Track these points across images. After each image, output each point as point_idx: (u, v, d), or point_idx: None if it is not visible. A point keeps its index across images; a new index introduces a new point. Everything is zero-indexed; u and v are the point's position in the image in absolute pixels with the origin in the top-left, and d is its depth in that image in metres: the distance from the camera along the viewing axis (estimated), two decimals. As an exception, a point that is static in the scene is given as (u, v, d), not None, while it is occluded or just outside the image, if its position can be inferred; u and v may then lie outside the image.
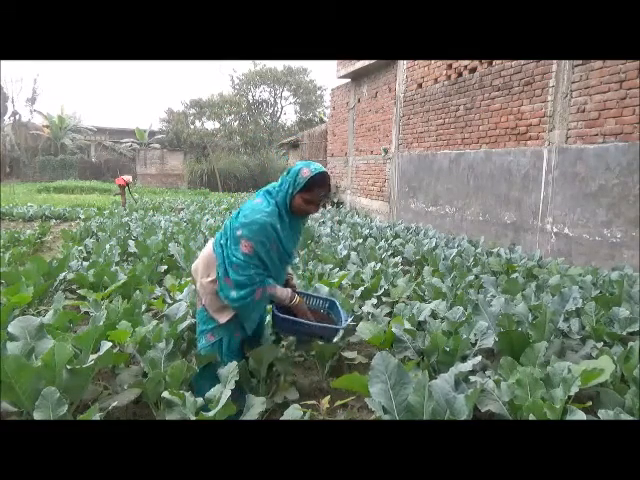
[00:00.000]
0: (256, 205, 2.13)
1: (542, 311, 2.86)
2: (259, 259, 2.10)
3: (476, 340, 2.75)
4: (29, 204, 11.81)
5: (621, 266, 4.51)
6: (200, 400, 1.93)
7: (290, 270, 2.61)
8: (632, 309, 3.18)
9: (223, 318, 2.22)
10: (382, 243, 6.18)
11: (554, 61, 5.64)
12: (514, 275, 4.41)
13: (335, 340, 2.60)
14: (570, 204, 5.47)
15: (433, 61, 8.06)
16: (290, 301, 2.25)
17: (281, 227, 2.14)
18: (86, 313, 3.39)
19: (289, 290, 2.29)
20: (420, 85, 8.57)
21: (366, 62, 9.84)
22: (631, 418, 1.86)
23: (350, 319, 2.73)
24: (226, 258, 2.13)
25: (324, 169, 2.18)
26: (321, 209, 11.24)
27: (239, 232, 2.08)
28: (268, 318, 2.62)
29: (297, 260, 5.15)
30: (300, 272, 4.42)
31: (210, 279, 2.22)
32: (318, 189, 2.13)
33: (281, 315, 2.26)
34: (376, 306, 3.58)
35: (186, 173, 26.33)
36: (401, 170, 9.30)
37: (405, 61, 9.00)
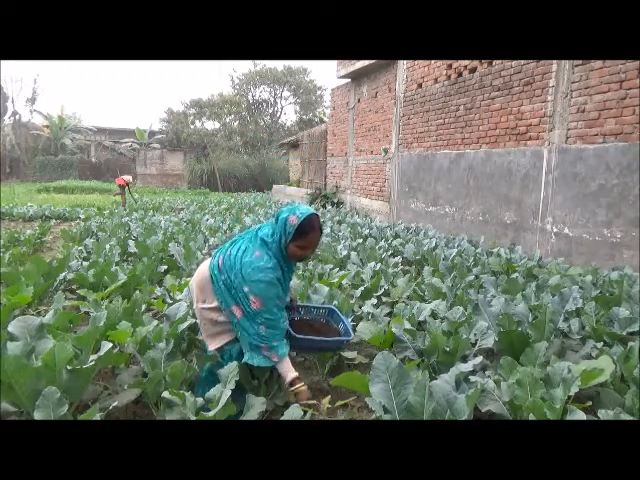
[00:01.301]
0: (257, 261, 2.09)
1: (542, 311, 2.86)
2: (269, 312, 2.09)
3: (476, 340, 2.75)
4: (29, 204, 11.80)
5: (621, 266, 4.51)
6: (200, 400, 1.93)
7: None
8: (632, 309, 3.18)
9: (213, 345, 2.24)
10: (382, 243, 6.18)
11: (554, 61, 5.64)
12: (514, 275, 4.41)
13: (352, 337, 2.65)
14: (570, 204, 5.47)
15: (433, 61, 8.06)
16: (291, 386, 2.13)
17: (283, 277, 2.18)
18: (86, 313, 3.39)
19: (294, 374, 2.15)
20: (420, 85, 8.57)
21: (366, 62, 9.84)
22: (631, 418, 1.86)
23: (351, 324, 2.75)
24: (236, 299, 2.12)
25: (311, 211, 2.13)
26: (321, 209, 11.25)
27: (246, 289, 2.07)
28: None
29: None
30: (300, 272, 4.41)
31: (205, 306, 2.22)
32: (310, 234, 2.11)
33: (295, 335, 2.28)
34: (376, 306, 3.57)
35: (186, 173, 26.34)
36: (401, 170, 9.30)
37: (405, 61, 9.00)
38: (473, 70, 7.14)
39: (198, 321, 2.31)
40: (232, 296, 2.12)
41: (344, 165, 12.20)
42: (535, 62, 5.92)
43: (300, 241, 2.10)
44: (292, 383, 2.11)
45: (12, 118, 27.46)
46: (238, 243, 2.23)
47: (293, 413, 1.86)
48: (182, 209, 12.22)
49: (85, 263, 4.57)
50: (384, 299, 3.99)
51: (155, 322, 2.78)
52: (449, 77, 7.71)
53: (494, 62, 6.68)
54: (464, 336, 2.66)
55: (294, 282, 3.86)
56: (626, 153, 4.79)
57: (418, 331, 2.82)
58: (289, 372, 2.13)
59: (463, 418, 1.79)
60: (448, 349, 2.53)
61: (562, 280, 3.99)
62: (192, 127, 28.19)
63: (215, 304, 2.19)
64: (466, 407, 1.81)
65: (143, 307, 3.25)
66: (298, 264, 4.82)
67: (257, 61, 29.64)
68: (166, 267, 4.86)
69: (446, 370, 2.21)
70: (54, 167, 25.56)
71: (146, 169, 27.10)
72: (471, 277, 4.26)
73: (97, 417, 1.73)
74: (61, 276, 4.24)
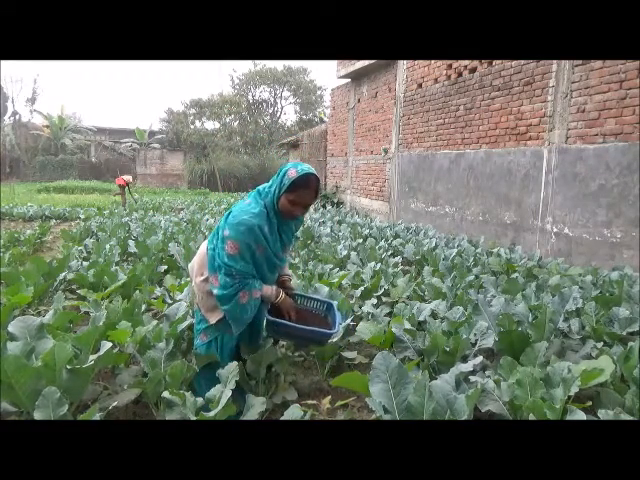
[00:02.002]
0: (245, 206, 2.11)
1: (542, 311, 2.86)
2: (244, 260, 2.06)
3: (476, 340, 2.75)
4: (29, 204, 11.81)
5: (621, 266, 4.51)
6: (200, 400, 1.93)
7: (289, 271, 2.59)
8: (632, 309, 3.18)
9: (213, 318, 2.22)
10: (382, 243, 6.18)
11: (554, 61, 5.64)
12: (514, 275, 4.41)
13: (334, 340, 2.58)
14: (570, 204, 5.47)
15: (433, 61, 8.06)
16: (275, 298, 2.22)
17: (269, 229, 2.12)
18: (86, 313, 3.39)
19: (274, 287, 2.25)
20: (420, 85, 8.57)
21: (366, 62, 9.84)
22: (631, 418, 1.86)
23: (345, 322, 2.70)
24: (215, 258, 2.12)
25: (312, 171, 2.12)
26: (321, 209, 11.24)
27: (226, 232, 2.06)
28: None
29: (297, 260, 5.15)
30: (300, 272, 4.41)
31: (203, 278, 2.22)
32: (303, 190, 2.08)
33: (271, 318, 2.24)
34: (376, 306, 3.57)
35: (186, 173, 26.34)
36: (401, 170, 9.29)
37: (405, 61, 9.00)
38: (473, 70, 7.14)
39: (197, 296, 2.28)
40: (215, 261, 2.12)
41: (344, 165, 12.20)
42: (535, 62, 5.92)
43: (292, 195, 2.07)
44: (277, 296, 2.22)
45: (12, 118, 27.47)
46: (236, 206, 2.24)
47: (293, 413, 1.86)
48: (182, 209, 12.22)
49: (85, 263, 4.57)
50: (384, 299, 3.99)
51: (155, 322, 2.78)
52: (449, 77, 7.71)
53: (494, 62, 6.68)
54: (464, 336, 2.66)
55: (294, 282, 3.87)
56: (626, 153, 4.79)
57: (418, 331, 2.82)
58: (268, 290, 2.19)
59: (463, 418, 1.79)
60: (448, 349, 2.53)
61: (562, 280, 3.99)
62: (192, 127, 28.18)
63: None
64: (466, 407, 1.81)
65: (143, 307, 3.25)
66: (299, 260, 4.83)
67: (257, 61, 29.66)
68: (166, 267, 4.86)
69: (446, 370, 2.21)
70: (54, 167, 25.55)
71: (146, 169, 27.10)
72: (471, 277, 4.26)
73: (97, 417, 1.73)
74: (61, 276, 4.24)
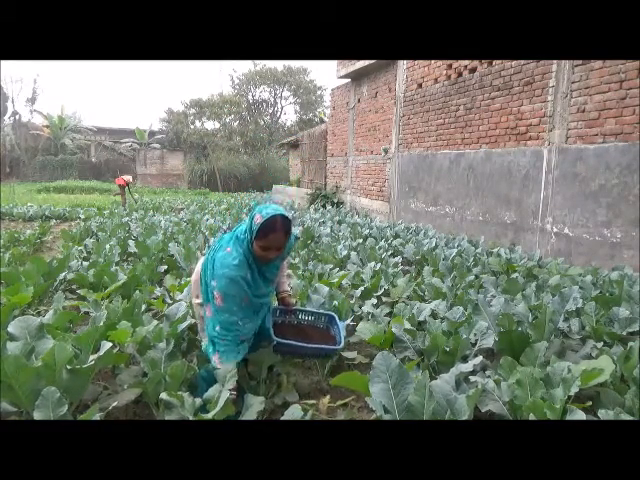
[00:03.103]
0: (225, 256, 2.10)
1: (542, 311, 2.86)
2: (229, 312, 2.06)
3: (476, 340, 2.75)
4: (29, 204, 11.80)
5: (621, 266, 4.51)
6: (199, 400, 1.93)
7: (287, 288, 2.62)
8: (632, 309, 3.18)
9: (206, 341, 2.23)
10: (382, 243, 6.18)
11: (554, 61, 5.64)
12: (514, 275, 4.41)
13: (341, 346, 2.60)
14: (570, 204, 5.47)
15: (433, 61, 8.06)
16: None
17: (251, 276, 2.12)
18: (86, 313, 3.39)
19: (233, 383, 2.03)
20: (420, 85, 8.57)
21: (366, 62, 9.84)
22: (631, 418, 1.86)
23: (346, 324, 2.72)
24: (209, 295, 2.14)
25: (277, 212, 2.07)
26: (321, 209, 11.24)
27: (213, 283, 2.09)
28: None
29: (297, 260, 5.15)
30: (300, 272, 4.41)
31: (198, 301, 2.27)
32: (272, 234, 2.05)
33: (276, 338, 2.29)
34: (376, 306, 3.57)
35: (186, 173, 26.36)
36: (401, 170, 9.29)
37: (405, 61, 9.00)
38: (473, 70, 7.14)
39: (196, 316, 2.35)
40: (208, 291, 2.15)
41: (344, 165, 12.20)
42: (535, 62, 5.92)
43: (261, 241, 2.06)
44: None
45: (12, 118, 27.46)
46: (224, 239, 2.25)
47: (293, 413, 1.86)
48: (182, 209, 12.22)
49: (85, 263, 4.57)
50: (384, 299, 3.99)
51: (155, 322, 2.78)
52: (449, 77, 7.71)
53: (494, 62, 6.68)
54: (464, 336, 2.66)
55: (294, 282, 3.87)
56: (626, 153, 4.79)
57: (418, 331, 2.81)
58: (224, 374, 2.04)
59: (463, 418, 1.79)
60: (448, 349, 2.53)
61: (562, 280, 3.99)
62: (192, 127, 28.18)
63: None
64: (466, 407, 1.81)
65: (143, 307, 3.24)
66: (299, 260, 4.83)
67: (257, 61, 29.67)
68: (166, 267, 4.86)
69: (446, 370, 2.21)
70: (54, 167, 25.55)
71: (146, 169, 27.11)
72: (471, 277, 4.26)
73: (97, 417, 1.73)
74: (61, 276, 4.24)
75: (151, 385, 2.16)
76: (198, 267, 2.32)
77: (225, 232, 2.69)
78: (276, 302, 2.69)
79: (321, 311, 2.78)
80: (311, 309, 2.86)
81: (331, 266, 4.72)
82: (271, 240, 2.06)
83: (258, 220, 2.05)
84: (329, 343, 2.49)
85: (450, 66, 7.67)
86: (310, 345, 2.35)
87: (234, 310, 2.07)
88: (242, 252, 2.11)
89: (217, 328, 2.07)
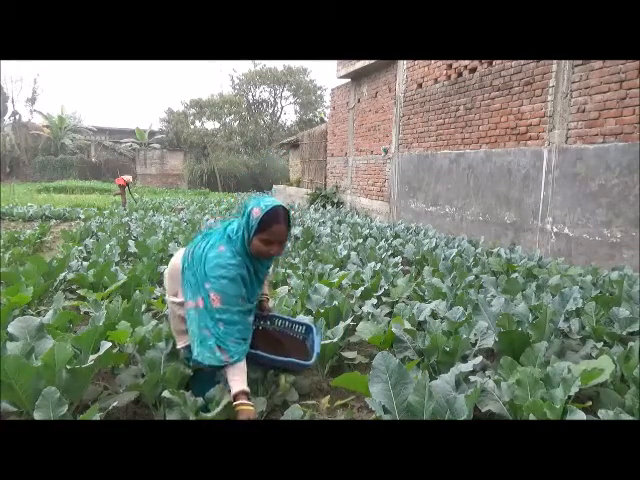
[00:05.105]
0: (220, 256, 1.98)
1: (542, 311, 2.86)
2: (229, 312, 1.95)
3: (476, 340, 2.75)
4: (29, 204, 11.80)
5: (621, 266, 4.50)
6: (200, 400, 1.93)
7: (267, 291, 2.52)
8: (632, 309, 3.18)
9: (181, 343, 2.19)
10: (382, 243, 6.18)
11: (554, 61, 5.64)
12: (514, 275, 4.41)
13: (311, 362, 2.35)
14: (570, 204, 5.47)
15: (433, 61, 8.06)
16: (233, 399, 1.87)
17: (248, 276, 2.05)
18: (86, 313, 3.39)
19: (240, 386, 1.89)
20: (420, 85, 8.57)
21: (366, 62, 9.83)
22: (631, 418, 1.86)
23: (317, 354, 2.42)
24: (198, 293, 1.98)
25: (277, 203, 2.01)
26: (321, 209, 11.24)
27: (207, 285, 1.95)
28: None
29: (297, 260, 5.15)
30: (300, 272, 4.41)
31: (175, 300, 2.14)
32: (275, 226, 1.97)
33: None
34: (376, 306, 3.57)
35: (186, 173, 26.36)
36: (401, 170, 9.29)
37: (405, 61, 8.99)
38: (473, 70, 7.14)
39: (169, 314, 2.20)
40: (196, 290, 1.98)
41: (344, 165, 12.19)
42: (535, 62, 5.92)
43: (264, 234, 1.96)
44: (235, 397, 1.84)
45: (12, 118, 27.49)
46: (209, 237, 2.14)
47: (293, 413, 1.86)
48: (182, 209, 12.22)
49: (85, 263, 4.56)
50: (384, 299, 3.99)
51: (155, 322, 2.78)
52: (449, 77, 7.71)
53: (494, 62, 6.68)
54: (464, 336, 2.66)
55: (294, 282, 3.87)
56: (626, 153, 4.79)
57: (418, 331, 2.81)
58: (237, 383, 1.88)
59: (463, 418, 1.79)
60: (448, 349, 2.53)
61: (562, 280, 3.99)
62: (192, 127, 28.20)
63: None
64: (466, 407, 1.81)
65: (143, 307, 3.24)
66: (299, 260, 4.83)
67: (257, 61, 29.67)
68: (166, 267, 4.85)
69: (446, 370, 2.21)
70: (54, 167, 25.56)
71: (146, 169, 27.13)
72: (471, 277, 4.26)
73: (97, 417, 1.73)
74: (61, 276, 4.24)
75: (148, 386, 2.15)
76: (176, 261, 2.17)
77: (211, 227, 2.59)
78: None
79: (299, 320, 2.62)
80: (288, 317, 2.66)
81: (331, 266, 4.72)
82: (275, 232, 1.98)
83: (257, 213, 1.96)
84: (301, 357, 2.29)
85: (450, 66, 7.67)
86: (278, 358, 2.18)
87: (235, 310, 2.02)
88: (237, 251, 2.03)
89: (220, 326, 1.95)
